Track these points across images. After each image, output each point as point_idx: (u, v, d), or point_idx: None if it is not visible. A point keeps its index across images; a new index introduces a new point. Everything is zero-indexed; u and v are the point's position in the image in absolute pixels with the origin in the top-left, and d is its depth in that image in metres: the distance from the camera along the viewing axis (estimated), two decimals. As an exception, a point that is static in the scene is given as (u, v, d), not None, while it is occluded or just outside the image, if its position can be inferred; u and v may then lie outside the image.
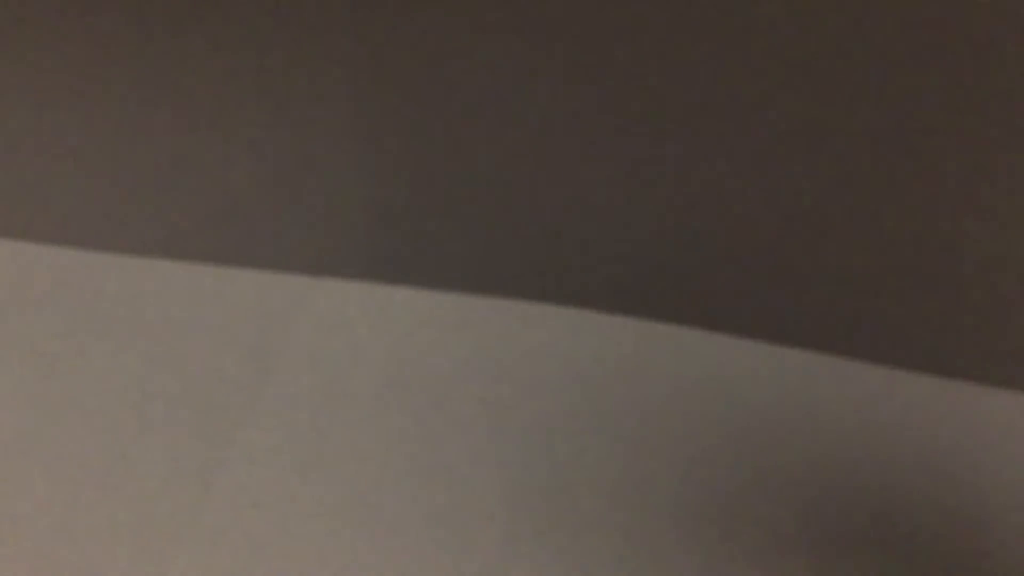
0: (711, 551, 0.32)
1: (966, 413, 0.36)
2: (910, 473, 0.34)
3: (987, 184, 0.30)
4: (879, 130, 0.29)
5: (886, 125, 0.29)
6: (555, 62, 0.30)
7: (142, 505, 0.34)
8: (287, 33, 0.31)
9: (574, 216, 0.35)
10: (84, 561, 0.33)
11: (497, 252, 0.37)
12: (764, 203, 0.33)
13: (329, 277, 0.40)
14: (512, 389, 0.36)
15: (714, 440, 0.35)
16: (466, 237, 0.37)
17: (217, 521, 0.34)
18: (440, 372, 0.37)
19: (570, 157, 0.33)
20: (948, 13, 0.26)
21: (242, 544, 0.33)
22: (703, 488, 0.34)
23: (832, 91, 0.29)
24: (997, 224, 0.31)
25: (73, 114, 0.37)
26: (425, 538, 0.33)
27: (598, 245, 0.37)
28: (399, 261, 0.39)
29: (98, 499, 0.34)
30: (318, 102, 0.34)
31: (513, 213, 0.36)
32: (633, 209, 0.34)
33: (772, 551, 0.32)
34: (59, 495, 0.34)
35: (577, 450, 0.35)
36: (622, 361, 0.37)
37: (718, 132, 0.31)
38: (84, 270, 0.40)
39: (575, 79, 0.31)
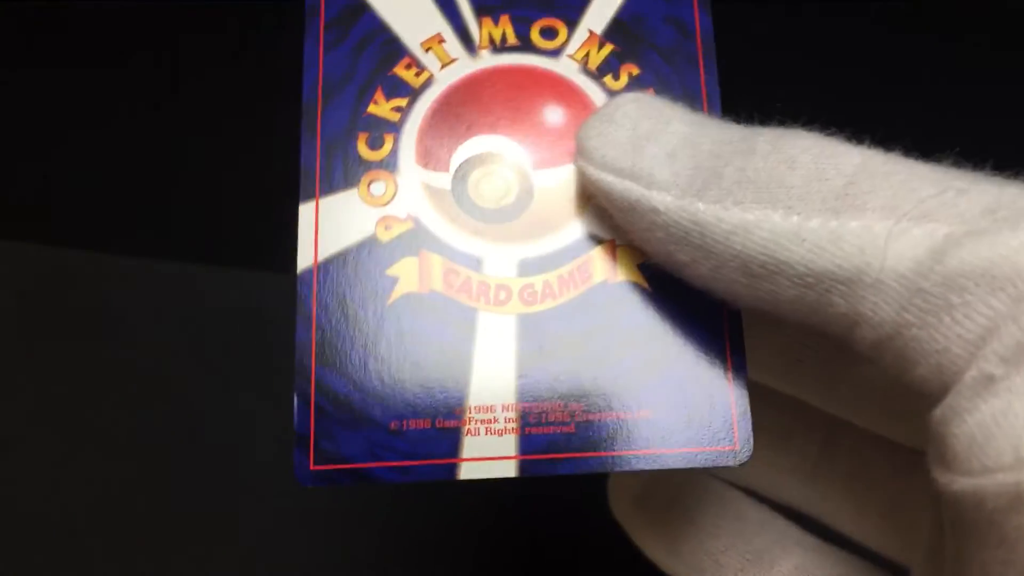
0: None
1: None
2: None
3: None
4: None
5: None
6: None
7: (143, 504, 0.35)
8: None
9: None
10: (84, 561, 0.33)
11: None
12: None
13: None
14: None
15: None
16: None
17: (218, 520, 0.34)
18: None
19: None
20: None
21: (242, 544, 0.34)
22: None
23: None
24: None
25: (74, 115, 0.39)
26: (427, 540, 0.34)
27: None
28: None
29: (99, 498, 0.35)
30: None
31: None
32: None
33: None
34: (59, 494, 0.35)
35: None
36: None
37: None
38: (84, 270, 0.38)
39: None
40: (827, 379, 0.21)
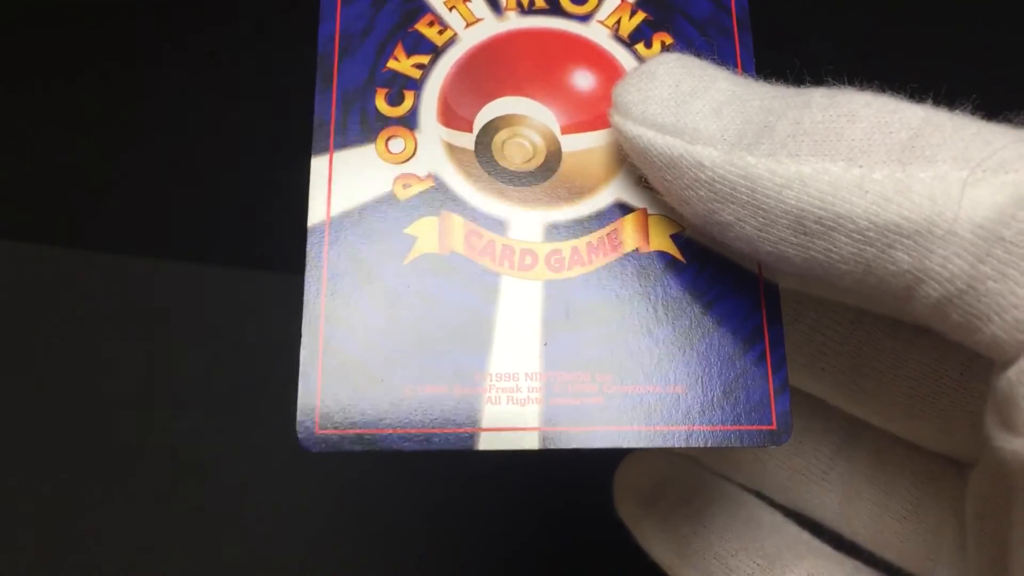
0: None
1: None
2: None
3: None
4: None
5: None
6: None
7: (143, 504, 0.34)
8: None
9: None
10: (85, 561, 0.33)
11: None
12: None
13: None
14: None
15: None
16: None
17: (218, 520, 0.34)
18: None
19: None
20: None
21: (243, 543, 0.34)
22: None
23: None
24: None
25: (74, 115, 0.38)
26: (426, 539, 0.33)
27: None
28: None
29: (99, 498, 0.34)
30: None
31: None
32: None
33: None
34: (60, 494, 0.34)
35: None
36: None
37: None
38: (84, 270, 0.38)
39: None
40: (852, 371, 0.21)
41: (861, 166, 0.15)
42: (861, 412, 0.21)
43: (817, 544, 0.22)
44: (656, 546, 0.22)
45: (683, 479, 0.23)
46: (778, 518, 0.22)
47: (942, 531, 0.21)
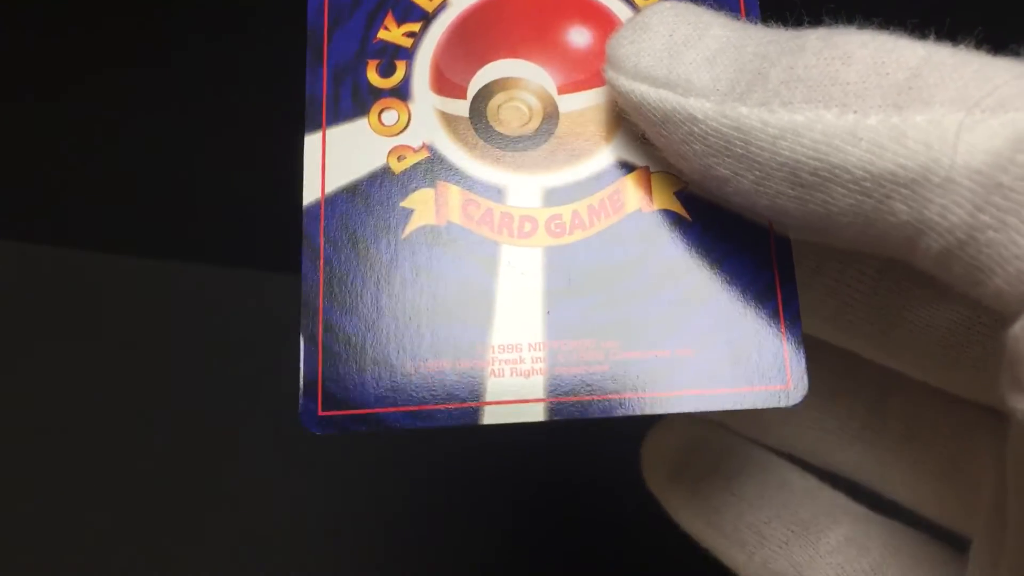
0: None
1: None
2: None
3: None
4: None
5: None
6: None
7: (143, 504, 0.34)
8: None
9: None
10: (85, 561, 0.33)
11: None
12: None
13: None
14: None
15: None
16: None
17: (218, 519, 0.34)
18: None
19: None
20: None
21: (242, 543, 0.34)
22: None
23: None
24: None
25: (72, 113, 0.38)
26: (425, 536, 0.33)
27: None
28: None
29: (99, 499, 0.34)
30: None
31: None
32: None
33: None
34: (60, 495, 0.35)
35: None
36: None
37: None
38: (84, 270, 0.38)
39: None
40: (881, 323, 0.20)
41: (855, 112, 0.14)
42: (894, 364, 0.20)
43: (853, 507, 0.21)
44: (687, 517, 0.22)
45: (711, 447, 0.22)
46: (811, 482, 0.21)
47: (981, 486, 0.20)
